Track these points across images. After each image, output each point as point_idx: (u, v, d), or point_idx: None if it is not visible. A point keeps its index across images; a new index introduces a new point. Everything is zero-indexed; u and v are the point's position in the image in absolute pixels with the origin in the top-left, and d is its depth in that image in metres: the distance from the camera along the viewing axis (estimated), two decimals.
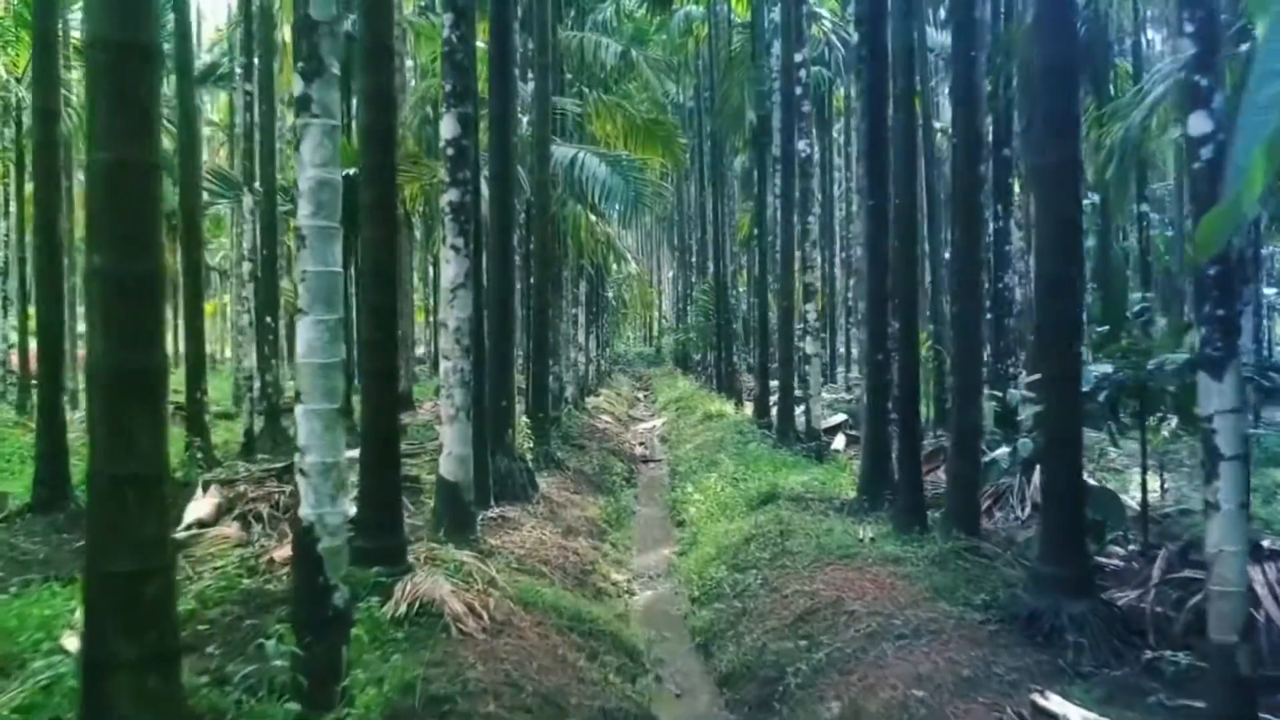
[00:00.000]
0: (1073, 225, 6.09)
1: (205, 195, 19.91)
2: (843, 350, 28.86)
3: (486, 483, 9.62)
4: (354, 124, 14.61)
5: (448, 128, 7.91)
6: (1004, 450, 8.99)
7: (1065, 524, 6.09)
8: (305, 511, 4.51)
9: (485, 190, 11.33)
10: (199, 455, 12.05)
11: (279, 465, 11.16)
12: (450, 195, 7.91)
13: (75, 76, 16.89)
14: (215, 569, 7.48)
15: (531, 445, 12.70)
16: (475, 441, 9.44)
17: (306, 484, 4.50)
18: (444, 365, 7.95)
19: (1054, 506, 6.18)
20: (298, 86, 4.55)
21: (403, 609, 5.67)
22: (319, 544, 4.50)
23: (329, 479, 4.51)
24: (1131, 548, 8.45)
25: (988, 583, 7.51)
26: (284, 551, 7.82)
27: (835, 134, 30.31)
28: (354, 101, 15.06)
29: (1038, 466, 9.97)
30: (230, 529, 9.03)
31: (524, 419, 13.10)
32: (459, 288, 7.87)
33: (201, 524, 9.14)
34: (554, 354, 17.72)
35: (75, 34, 15.68)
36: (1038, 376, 8.49)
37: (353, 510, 6.27)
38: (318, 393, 4.51)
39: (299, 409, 4.55)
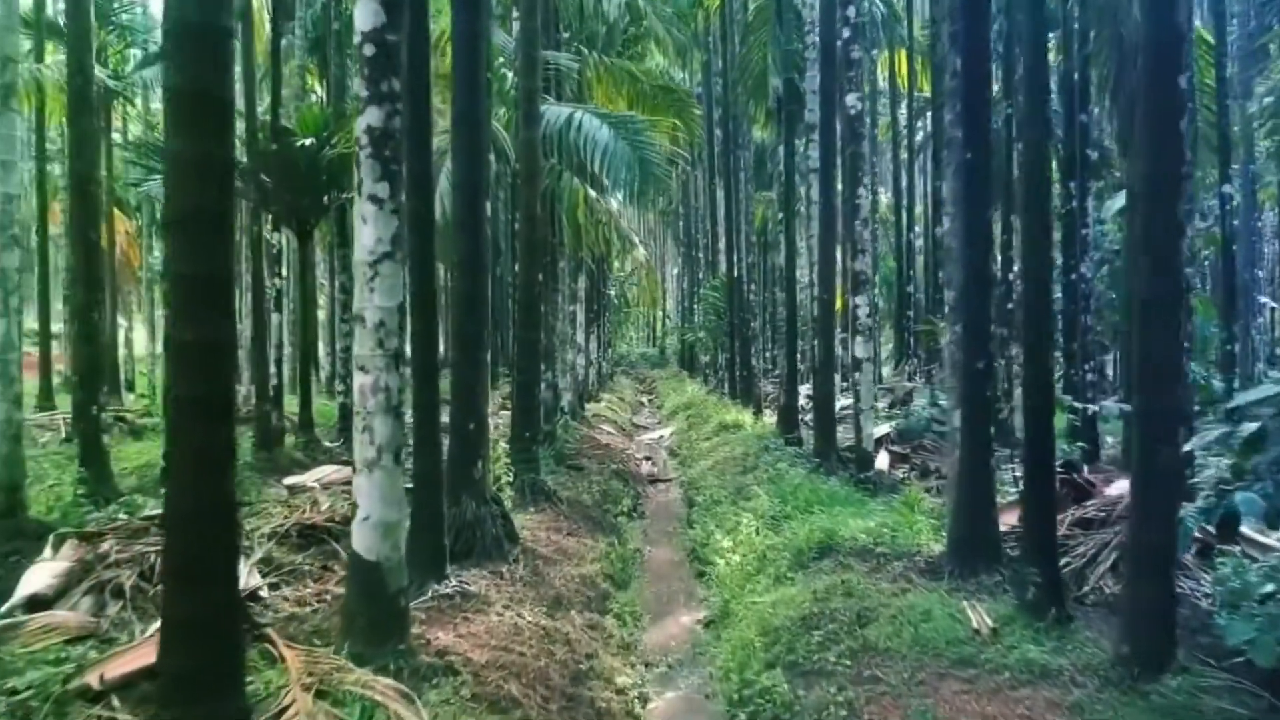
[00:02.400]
0: None
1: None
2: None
3: (440, 541, 6.81)
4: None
5: (364, 13, 5.07)
6: (1190, 504, 6.16)
7: None
8: None
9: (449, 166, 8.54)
10: (79, 491, 9.20)
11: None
12: (369, 117, 5.06)
13: None
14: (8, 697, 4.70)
15: (512, 477, 9.91)
16: (428, 484, 6.70)
17: None
18: (358, 382, 5.08)
19: None
20: None
21: None
22: None
23: None
24: None
25: None
26: (121, 666, 5.12)
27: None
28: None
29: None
30: (69, 613, 6.28)
31: (503, 445, 10.29)
32: (382, 260, 5.02)
33: (36, 603, 6.38)
34: (548, 358, 14.90)
35: None
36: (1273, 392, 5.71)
37: None
38: None
39: None
